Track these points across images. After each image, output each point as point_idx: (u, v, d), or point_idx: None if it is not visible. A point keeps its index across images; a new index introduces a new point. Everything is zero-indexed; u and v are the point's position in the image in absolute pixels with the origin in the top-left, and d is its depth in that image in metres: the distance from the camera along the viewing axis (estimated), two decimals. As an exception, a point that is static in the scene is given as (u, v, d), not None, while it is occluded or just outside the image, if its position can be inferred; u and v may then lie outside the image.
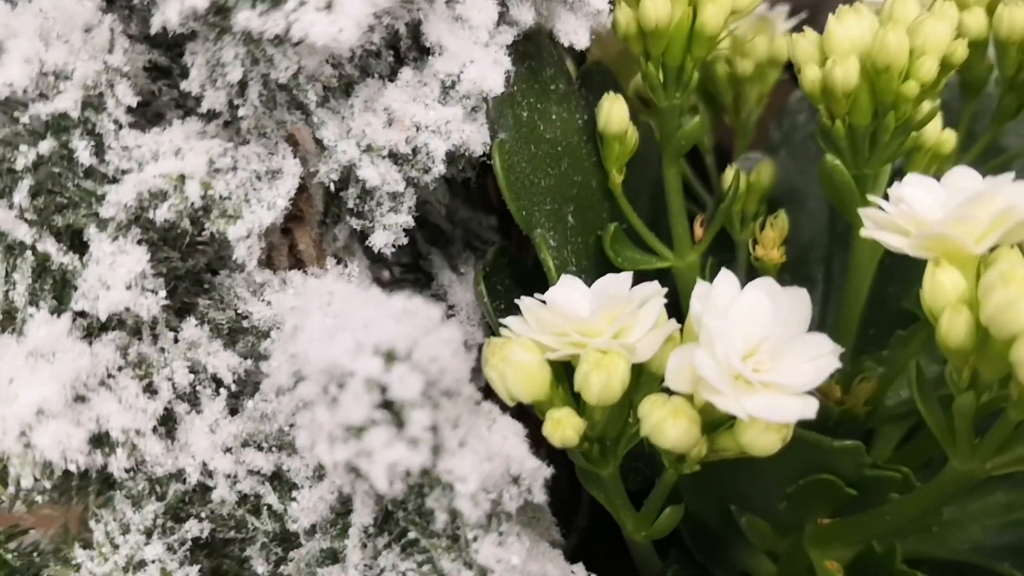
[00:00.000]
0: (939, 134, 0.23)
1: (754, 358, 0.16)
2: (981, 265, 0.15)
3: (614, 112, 0.23)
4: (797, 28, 0.27)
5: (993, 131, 0.27)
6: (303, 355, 0.15)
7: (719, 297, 0.16)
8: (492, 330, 0.22)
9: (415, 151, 0.18)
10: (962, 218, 0.14)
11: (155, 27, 0.15)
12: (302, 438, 0.16)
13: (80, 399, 0.16)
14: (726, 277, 0.16)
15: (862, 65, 0.20)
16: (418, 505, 0.15)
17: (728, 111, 0.29)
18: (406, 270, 0.24)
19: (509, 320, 0.18)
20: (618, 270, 0.23)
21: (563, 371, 0.17)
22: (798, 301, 0.16)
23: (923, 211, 0.15)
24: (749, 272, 0.26)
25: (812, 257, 0.27)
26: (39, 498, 0.17)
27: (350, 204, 0.19)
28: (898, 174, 0.24)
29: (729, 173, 0.25)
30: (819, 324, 0.27)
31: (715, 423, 0.16)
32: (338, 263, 0.21)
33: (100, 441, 0.16)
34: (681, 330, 0.18)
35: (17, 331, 0.17)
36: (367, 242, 0.20)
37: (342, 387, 0.14)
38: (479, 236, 0.26)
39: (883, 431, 0.25)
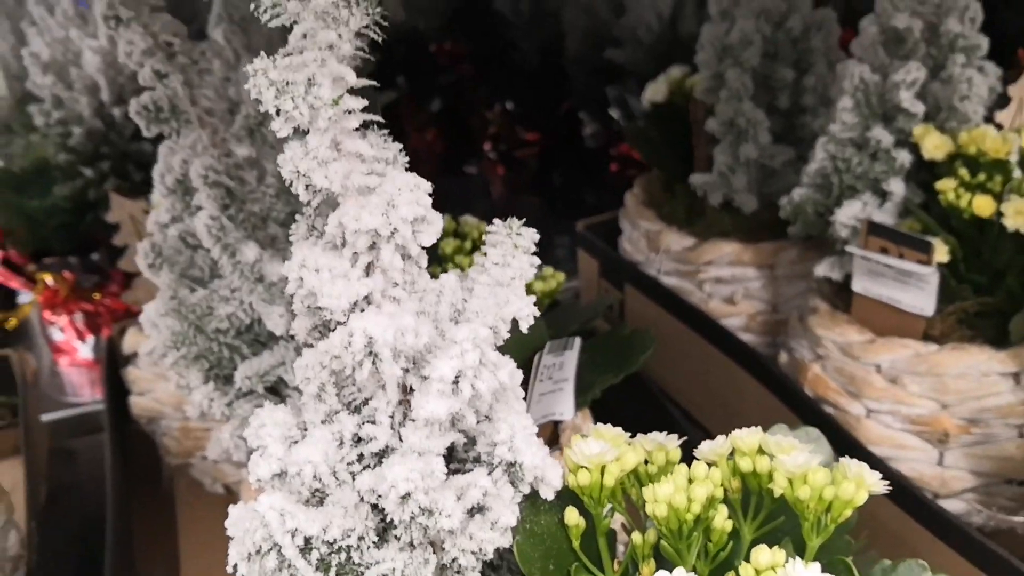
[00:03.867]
0: (723, 523, 0.49)
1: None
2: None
3: (571, 516, 0.50)
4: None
5: (766, 512, 0.53)
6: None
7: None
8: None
9: (482, 549, 0.46)
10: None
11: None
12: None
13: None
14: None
15: (668, 507, 0.47)
16: None
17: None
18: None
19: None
20: (578, 587, 0.50)
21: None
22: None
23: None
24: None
25: None
26: None
27: (453, 570, 0.46)
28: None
29: (633, 536, 0.52)
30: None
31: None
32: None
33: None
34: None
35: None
36: (462, 584, 0.47)
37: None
38: (513, 567, 0.53)
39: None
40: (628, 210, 1.26)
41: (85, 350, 1.39)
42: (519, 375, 0.48)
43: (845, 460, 0.50)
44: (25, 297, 1.39)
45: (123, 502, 0.93)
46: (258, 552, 0.42)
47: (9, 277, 1.34)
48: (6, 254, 1.34)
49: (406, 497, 0.41)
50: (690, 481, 0.49)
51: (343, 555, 0.44)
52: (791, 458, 0.49)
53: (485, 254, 0.48)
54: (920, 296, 0.89)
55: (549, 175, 1.87)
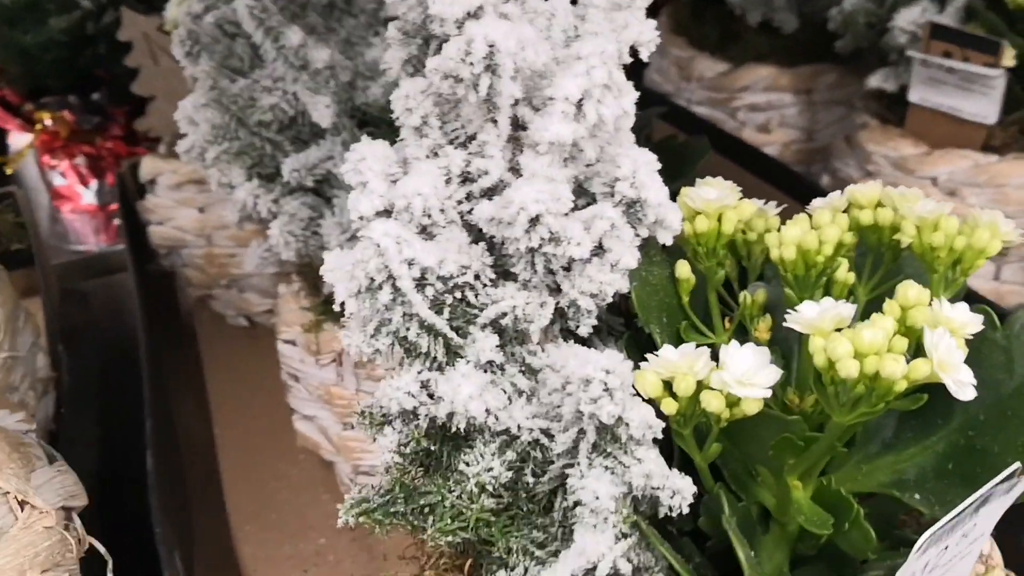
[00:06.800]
0: (846, 275, 0.46)
1: (745, 376, 0.39)
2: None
3: (683, 269, 0.47)
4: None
5: (883, 270, 0.50)
6: (570, 374, 0.39)
7: (731, 353, 0.40)
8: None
9: (601, 292, 0.42)
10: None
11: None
12: (566, 409, 0.40)
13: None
14: (735, 346, 0.40)
15: (797, 248, 0.44)
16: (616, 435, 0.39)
17: (744, 258, 0.53)
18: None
19: (645, 364, 0.41)
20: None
21: (668, 384, 0.41)
22: (763, 354, 0.40)
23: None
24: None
25: (790, 334, 0.50)
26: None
27: (570, 316, 0.43)
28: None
29: (742, 296, 0.49)
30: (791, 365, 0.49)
31: (732, 403, 0.39)
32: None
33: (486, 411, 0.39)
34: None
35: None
36: (575, 330, 0.44)
37: (590, 383, 0.38)
38: (614, 328, 0.50)
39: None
40: (656, 39, 1.20)
41: (88, 196, 1.34)
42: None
43: (975, 210, 0.47)
44: (23, 140, 1.32)
45: (155, 337, 0.89)
46: (370, 286, 0.39)
47: (5, 118, 1.27)
48: (1, 93, 1.27)
49: (535, 221, 0.38)
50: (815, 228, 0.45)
51: (458, 293, 0.40)
52: (921, 205, 0.46)
53: (595, -23, 0.43)
54: (983, 103, 0.85)
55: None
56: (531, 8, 0.42)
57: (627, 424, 0.38)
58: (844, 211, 0.49)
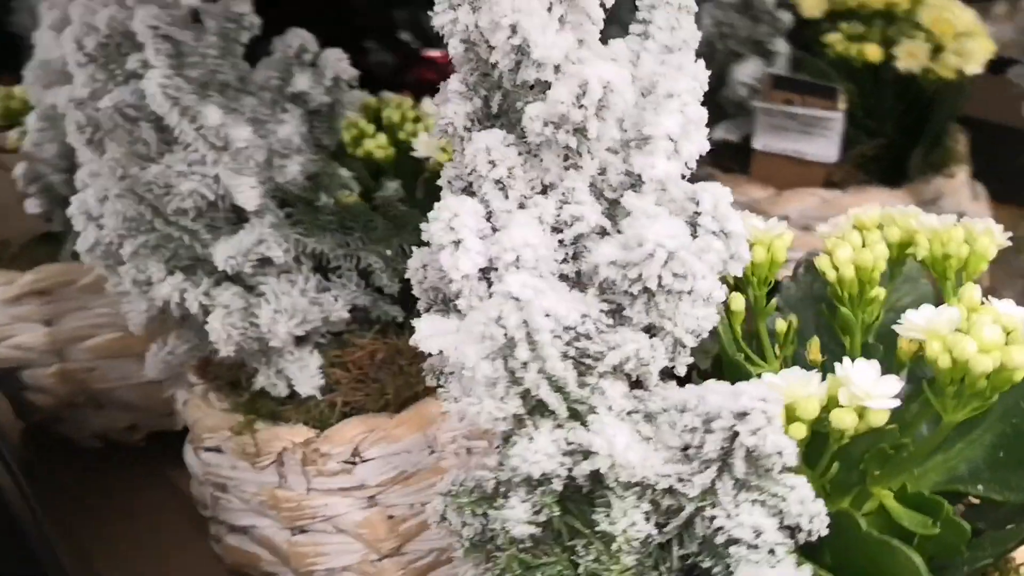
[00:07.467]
0: (878, 292, 0.49)
1: (871, 388, 0.40)
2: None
3: (737, 301, 0.48)
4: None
5: (892, 284, 0.53)
6: (713, 409, 0.38)
7: (850, 369, 0.40)
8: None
9: (699, 328, 0.42)
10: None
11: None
12: (709, 447, 0.39)
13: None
14: (848, 363, 0.41)
15: (855, 268, 0.46)
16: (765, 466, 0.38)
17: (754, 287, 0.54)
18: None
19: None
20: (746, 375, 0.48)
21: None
22: (875, 367, 0.41)
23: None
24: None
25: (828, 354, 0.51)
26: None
27: (670, 355, 0.42)
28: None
29: (780, 323, 0.50)
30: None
31: (860, 415, 0.40)
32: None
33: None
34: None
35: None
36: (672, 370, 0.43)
37: (747, 415, 0.37)
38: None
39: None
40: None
41: None
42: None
43: (966, 219, 0.51)
44: None
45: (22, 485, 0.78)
46: (506, 344, 0.36)
47: None
48: None
49: (671, 256, 0.37)
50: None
51: (581, 343, 0.38)
52: (926, 219, 0.49)
53: (642, 20, 0.44)
54: (824, 144, 0.93)
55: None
56: (599, 51, 0.41)
57: (780, 453, 0.38)
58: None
